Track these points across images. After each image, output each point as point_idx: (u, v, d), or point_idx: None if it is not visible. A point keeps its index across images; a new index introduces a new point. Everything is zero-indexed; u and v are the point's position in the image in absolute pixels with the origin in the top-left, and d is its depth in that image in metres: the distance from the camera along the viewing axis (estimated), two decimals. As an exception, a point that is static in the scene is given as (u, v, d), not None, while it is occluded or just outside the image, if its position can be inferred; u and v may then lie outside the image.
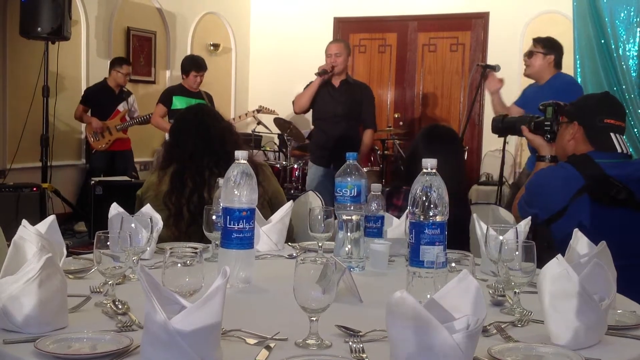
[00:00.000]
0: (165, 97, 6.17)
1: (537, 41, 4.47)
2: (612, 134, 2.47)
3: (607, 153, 2.46)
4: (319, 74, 5.15)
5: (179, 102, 6.03)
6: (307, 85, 5.28)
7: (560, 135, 2.63)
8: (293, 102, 5.32)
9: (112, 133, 6.52)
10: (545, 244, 2.43)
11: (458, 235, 2.08)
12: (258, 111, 6.93)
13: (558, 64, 4.46)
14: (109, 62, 7.20)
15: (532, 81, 4.55)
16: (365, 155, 5.23)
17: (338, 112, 5.15)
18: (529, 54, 4.44)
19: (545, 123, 2.83)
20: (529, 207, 2.51)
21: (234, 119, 7.00)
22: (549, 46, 4.42)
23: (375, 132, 5.41)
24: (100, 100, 6.54)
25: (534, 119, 2.90)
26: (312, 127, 5.62)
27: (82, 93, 6.65)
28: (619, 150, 2.46)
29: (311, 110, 5.28)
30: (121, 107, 6.62)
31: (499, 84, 4.58)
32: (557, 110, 2.78)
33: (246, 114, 6.97)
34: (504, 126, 3.12)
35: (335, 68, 5.14)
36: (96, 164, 6.55)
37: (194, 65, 6.23)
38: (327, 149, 5.17)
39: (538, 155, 2.87)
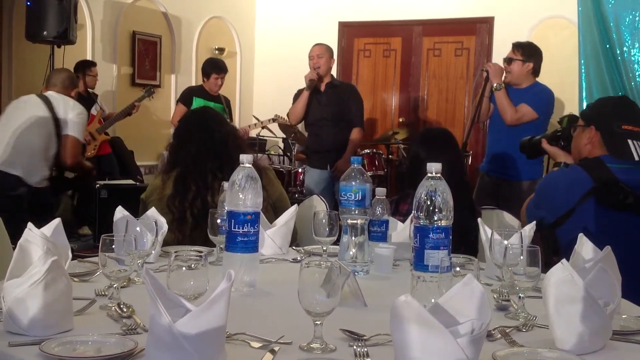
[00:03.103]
0: (186, 97, 6.13)
1: (517, 47, 4.41)
2: (629, 141, 2.44)
3: (621, 159, 2.44)
4: (309, 88, 5.17)
5: (198, 104, 5.98)
6: (297, 94, 5.32)
7: (577, 137, 2.61)
8: (288, 114, 5.37)
9: (95, 138, 6.43)
10: (551, 249, 2.43)
11: (464, 240, 2.07)
12: (274, 120, 6.81)
13: (536, 71, 4.41)
14: (114, 66, 7.22)
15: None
16: (353, 152, 5.28)
17: (326, 115, 5.19)
18: (508, 61, 4.38)
19: (558, 130, 2.85)
20: (537, 209, 2.51)
21: (249, 125, 6.90)
22: (527, 53, 4.36)
23: (362, 130, 5.40)
24: None
25: (555, 133, 2.94)
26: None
27: None
28: (637, 158, 2.43)
29: None
30: (94, 110, 6.52)
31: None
32: (571, 119, 2.80)
33: (261, 122, 6.82)
34: (531, 148, 3.13)
35: (319, 70, 5.18)
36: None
37: (214, 67, 6.21)
38: (322, 152, 5.23)
39: (555, 162, 2.88)
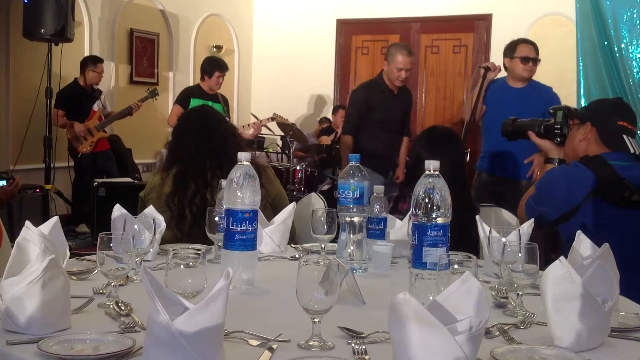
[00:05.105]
0: (183, 99, 6.09)
1: (535, 46, 4.40)
2: (624, 136, 2.49)
3: (619, 154, 2.46)
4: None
5: (196, 105, 5.95)
6: (354, 96, 5.21)
7: (571, 136, 2.63)
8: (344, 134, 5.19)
9: (93, 134, 6.41)
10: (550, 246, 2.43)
11: (464, 239, 2.06)
12: (272, 119, 6.76)
13: None
14: (112, 63, 7.22)
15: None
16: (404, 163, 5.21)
17: (398, 118, 5.12)
18: (535, 61, 4.37)
19: (556, 127, 2.83)
20: (538, 205, 2.51)
21: (248, 124, 6.86)
22: (538, 52, 4.41)
23: (410, 140, 5.30)
24: (77, 102, 6.37)
25: (543, 123, 2.91)
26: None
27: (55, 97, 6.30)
28: (632, 151, 2.47)
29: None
30: (95, 106, 6.51)
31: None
32: (568, 114, 2.79)
33: (260, 121, 6.76)
34: (514, 130, 3.11)
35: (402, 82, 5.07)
36: (83, 167, 6.44)
37: (217, 65, 6.17)
38: (380, 158, 5.01)
39: (547, 157, 2.87)
